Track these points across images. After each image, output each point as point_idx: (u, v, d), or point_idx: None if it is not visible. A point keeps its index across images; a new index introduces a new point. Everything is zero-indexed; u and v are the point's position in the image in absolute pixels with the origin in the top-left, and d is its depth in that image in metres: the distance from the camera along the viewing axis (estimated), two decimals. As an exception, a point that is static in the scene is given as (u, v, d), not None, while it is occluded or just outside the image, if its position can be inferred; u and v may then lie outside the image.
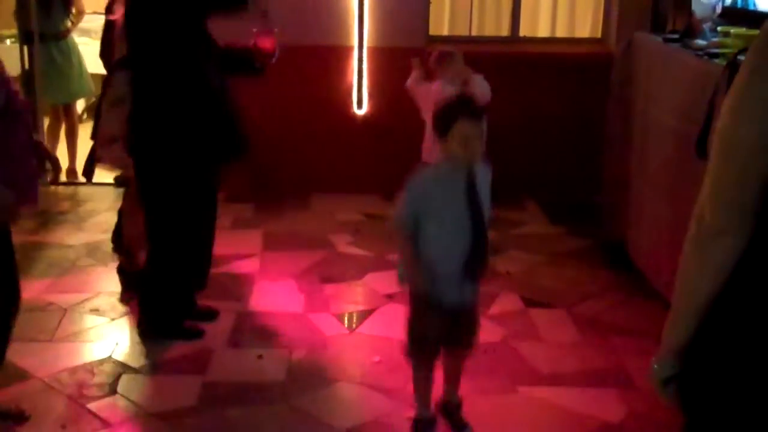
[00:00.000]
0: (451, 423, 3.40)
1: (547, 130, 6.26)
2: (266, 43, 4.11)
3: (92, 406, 3.52)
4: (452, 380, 3.43)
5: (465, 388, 3.48)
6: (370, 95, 6.29)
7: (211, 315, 4.33)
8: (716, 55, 3.95)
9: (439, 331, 3.24)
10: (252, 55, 4.11)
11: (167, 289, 4.10)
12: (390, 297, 4.55)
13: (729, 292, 1.63)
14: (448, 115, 3.05)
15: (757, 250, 1.58)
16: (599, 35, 6.55)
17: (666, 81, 4.46)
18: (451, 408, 3.42)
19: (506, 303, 4.55)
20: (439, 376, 3.38)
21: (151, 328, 4.11)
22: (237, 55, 4.10)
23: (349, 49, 6.20)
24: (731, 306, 1.63)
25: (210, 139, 3.88)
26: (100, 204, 6.07)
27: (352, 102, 6.32)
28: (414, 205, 3.13)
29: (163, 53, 3.78)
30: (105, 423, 3.42)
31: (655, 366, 1.78)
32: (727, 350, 1.65)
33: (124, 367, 3.85)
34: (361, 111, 6.34)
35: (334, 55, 6.21)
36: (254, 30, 4.10)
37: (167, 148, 3.83)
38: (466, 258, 3.12)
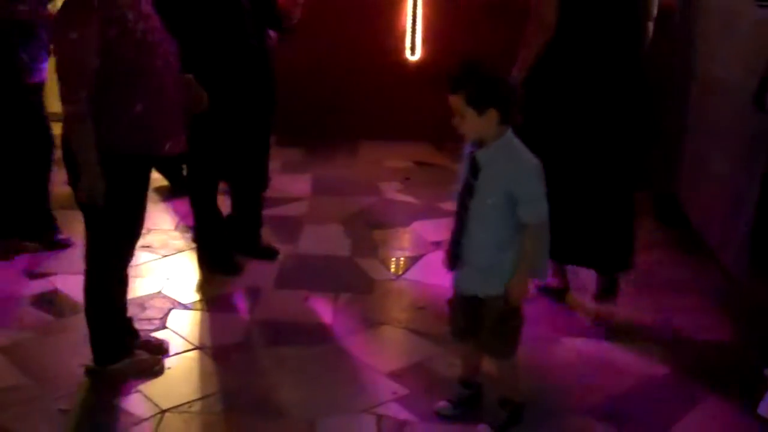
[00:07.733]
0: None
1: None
2: (290, 4, 4.05)
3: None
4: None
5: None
6: (424, 41, 6.22)
7: (272, 253, 4.43)
8: (781, 5, 3.84)
9: (462, 312, 3.02)
10: (279, 14, 4.06)
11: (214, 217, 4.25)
12: (437, 244, 4.55)
13: None
14: None
15: None
16: (661, -16, 6.36)
17: (727, 31, 4.34)
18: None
19: (554, 254, 4.52)
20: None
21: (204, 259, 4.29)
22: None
23: (404, -7, 6.14)
24: None
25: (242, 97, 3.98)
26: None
27: (405, 48, 6.26)
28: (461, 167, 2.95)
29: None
30: (155, 356, 3.50)
31: None
32: None
33: (174, 303, 3.93)
34: (414, 57, 6.29)
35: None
36: None
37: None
38: (450, 243, 2.92)
